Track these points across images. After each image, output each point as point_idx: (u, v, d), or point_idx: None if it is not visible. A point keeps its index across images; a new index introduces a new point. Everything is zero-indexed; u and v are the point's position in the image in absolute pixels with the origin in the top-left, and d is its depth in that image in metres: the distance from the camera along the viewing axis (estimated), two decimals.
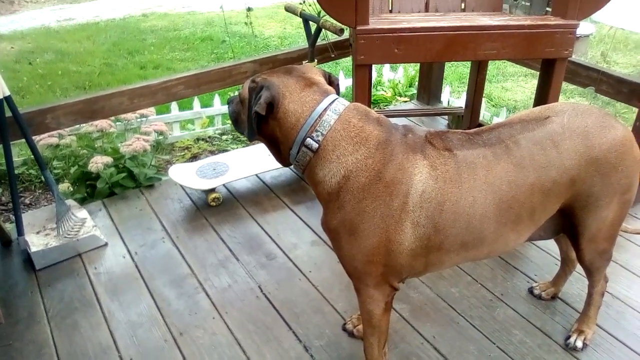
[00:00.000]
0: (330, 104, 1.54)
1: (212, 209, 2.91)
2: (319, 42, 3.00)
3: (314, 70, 1.65)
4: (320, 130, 1.52)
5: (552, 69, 2.38)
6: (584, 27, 5.74)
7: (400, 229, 1.52)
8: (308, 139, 1.52)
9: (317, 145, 1.52)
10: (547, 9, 2.64)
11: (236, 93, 1.74)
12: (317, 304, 2.29)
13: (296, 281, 2.41)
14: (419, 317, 2.21)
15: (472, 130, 1.66)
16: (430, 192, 1.52)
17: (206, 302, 2.30)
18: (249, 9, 4.86)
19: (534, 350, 2.06)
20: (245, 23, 4.19)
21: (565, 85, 2.97)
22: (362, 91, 2.38)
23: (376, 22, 2.31)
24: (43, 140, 2.94)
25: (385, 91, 4.64)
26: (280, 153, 1.64)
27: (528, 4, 2.83)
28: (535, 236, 1.81)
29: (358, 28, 2.19)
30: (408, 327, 2.17)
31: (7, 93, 2.36)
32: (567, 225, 1.80)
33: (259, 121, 1.55)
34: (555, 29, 2.25)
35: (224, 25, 6.20)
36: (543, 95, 2.45)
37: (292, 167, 1.65)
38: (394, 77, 4.82)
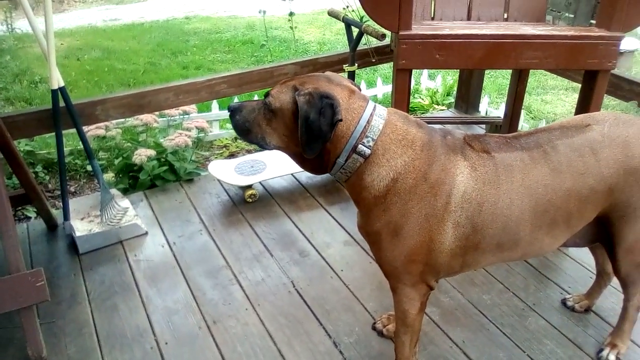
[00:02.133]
0: (373, 109, 1.57)
1: (248, 205, 2.98)
2: (360, 47, 3.05)
3: (342, 77, 1.67)
4: (371, 136, 1.52)
5: (595, 81, 2.36)
6: (629, 43, 5.63)
7: (443, 229, 1.55)
8: (360, 145, 1.52)
9: (369, 151, 1.53)
10: (592, 21, 2.62)
11: (263, 97, 1.65)
12: (348, 302, 2.32)
13: (328, 279, 2.45)
14: (449, 321, 2.22)
15: (510, 135, 1.68)
16: (471, 192, 1.54)
17: (240, 293, 2.36)
18: (291, 14, 4.95)
19: None
20: (291, 27, 4.28)
21: (607, 99, 2.94)
22: (402, 96, 2.41)
23: (418, 27, 2.35)
24: (91, 131, 3.07)
25: (422, 99, 4.65)
26: (322, 162, 1.60)
27: (572, 15, 2.82)
28: (571, 242, 1.81)
29: (401, 33, 2.23)
30: (437, 330, 2.18)
31: (62, 84, 2.48)
32: (604, 234, 1.79)
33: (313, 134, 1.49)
34: (599, 40, 2.24)
35: (264, 29, 6.30)
36: (584, 108, 2.43)
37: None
38: (433, 86, 4.83)
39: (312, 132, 1.48)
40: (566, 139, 1.63)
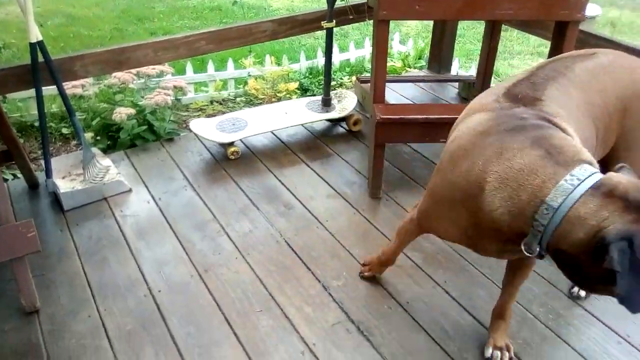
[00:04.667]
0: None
1: (230, 162, 3.00)
2: (337, 4, 3.08)
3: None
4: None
5: (565, 33, 2.48)
6: (590, 9, 5.80)
7: None
8: None
9: None
10: None
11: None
12: (334, 250, 2.40)
13: (314, 229, 2.52)
14: (432, 264, 2.33)
15: (519, 76, 1.65)
16: None
17: (229, 244, 2.41)
18: None
19: (540, 297, 2.18)
20: None
21: None
22: (382, 49, 2.47)
23: None
24: (68, 90, 3.01)
25: (395, 62, 4.72)
26: None
27: None
28: None
29: None
30: (421, 273, 2.29)
31: (40, 38, 2.44)
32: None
33: None
34: None
35: None
36: None
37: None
38: (404, 50, 4.90)
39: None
40: (580, 63, 1.69)
